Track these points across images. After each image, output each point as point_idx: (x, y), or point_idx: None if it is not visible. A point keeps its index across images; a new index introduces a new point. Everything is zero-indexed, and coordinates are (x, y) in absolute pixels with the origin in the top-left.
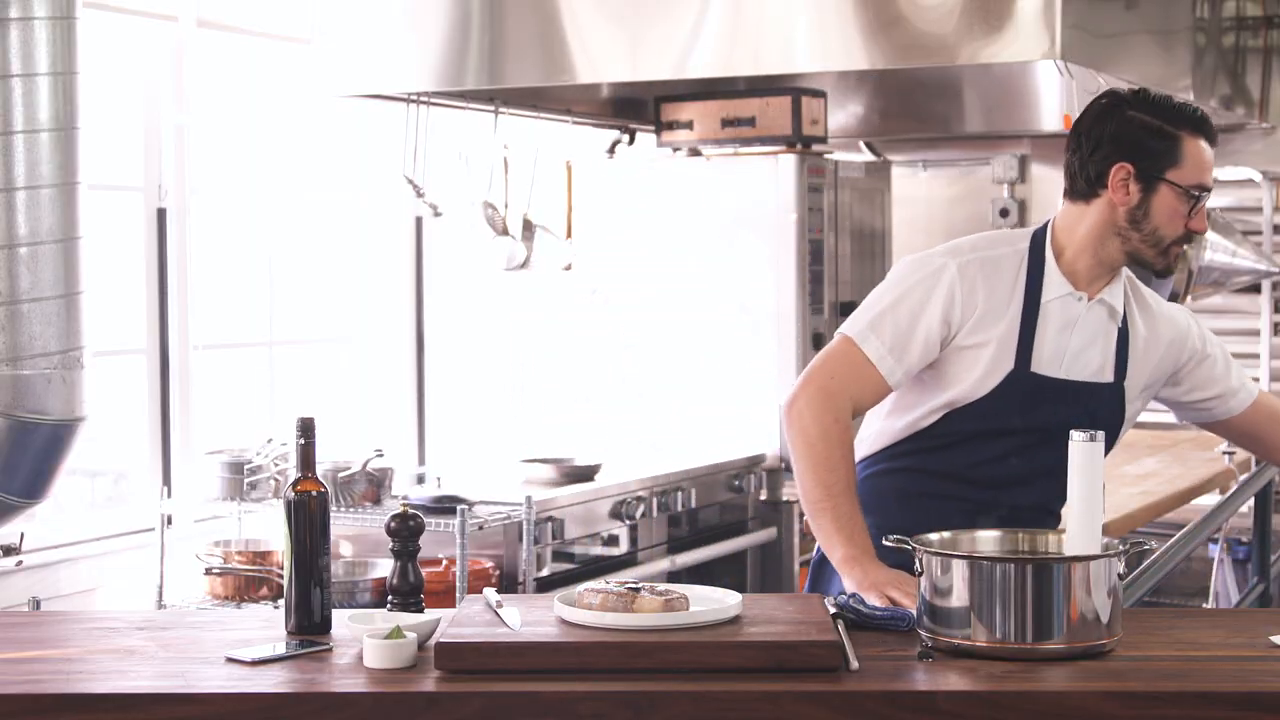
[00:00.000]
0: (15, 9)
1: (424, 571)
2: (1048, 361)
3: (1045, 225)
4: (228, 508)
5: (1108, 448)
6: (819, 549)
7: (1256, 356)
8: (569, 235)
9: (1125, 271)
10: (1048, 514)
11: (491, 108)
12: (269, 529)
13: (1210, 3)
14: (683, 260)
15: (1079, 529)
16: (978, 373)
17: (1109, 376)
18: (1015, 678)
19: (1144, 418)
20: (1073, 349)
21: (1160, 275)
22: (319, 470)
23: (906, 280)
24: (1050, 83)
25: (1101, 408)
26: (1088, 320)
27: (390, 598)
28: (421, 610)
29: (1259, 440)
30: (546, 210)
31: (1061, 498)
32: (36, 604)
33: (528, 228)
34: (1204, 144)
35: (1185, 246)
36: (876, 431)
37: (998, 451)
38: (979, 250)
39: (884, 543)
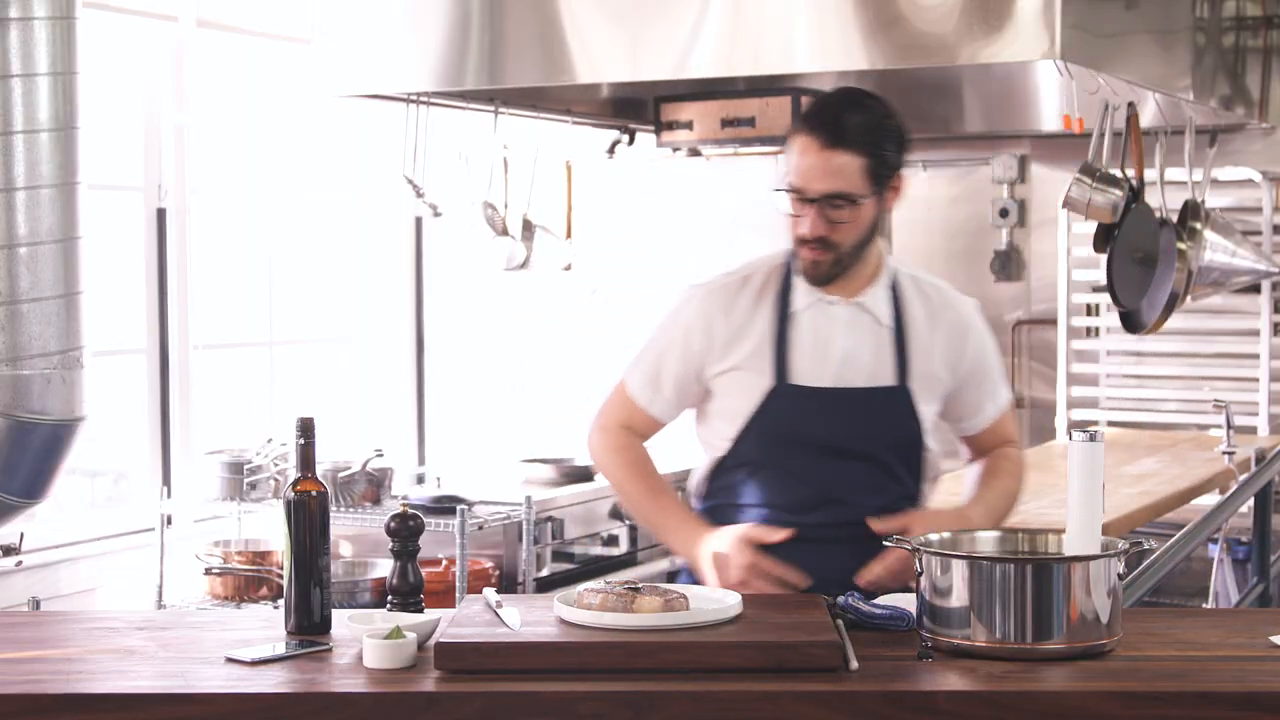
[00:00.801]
0: (15, 9)
1: (424, 571)
2: (809, 372)
3: None
4: (227, 508)
5: (912, 453)
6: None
7: (1256, 357)
8: (569, 235)
9: (897, 270)
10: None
11: (491, 108)
12: (269, 529)
13: (1210, 3)
14: (683, 260)
15: (1079, 529)
16: (739, 395)
17: (890, 380)
18: (1015, 678)
19: (1144, 418)
20: (837, 356)
21: (804, 279)
22: (319, 470)
23: (667, 315)
24: (1050, 83)
25: (884, 413)
26: (849, 325)
27: (390, 598)
28: (421, 610)
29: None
30: (546, 210)
31: (881, 511)
32: (36, 604)
33: (528, 228)
34: (807, 139)
35: (817, 252)
36: (697, 473)
37: (792, 471)
38: (731, 274)
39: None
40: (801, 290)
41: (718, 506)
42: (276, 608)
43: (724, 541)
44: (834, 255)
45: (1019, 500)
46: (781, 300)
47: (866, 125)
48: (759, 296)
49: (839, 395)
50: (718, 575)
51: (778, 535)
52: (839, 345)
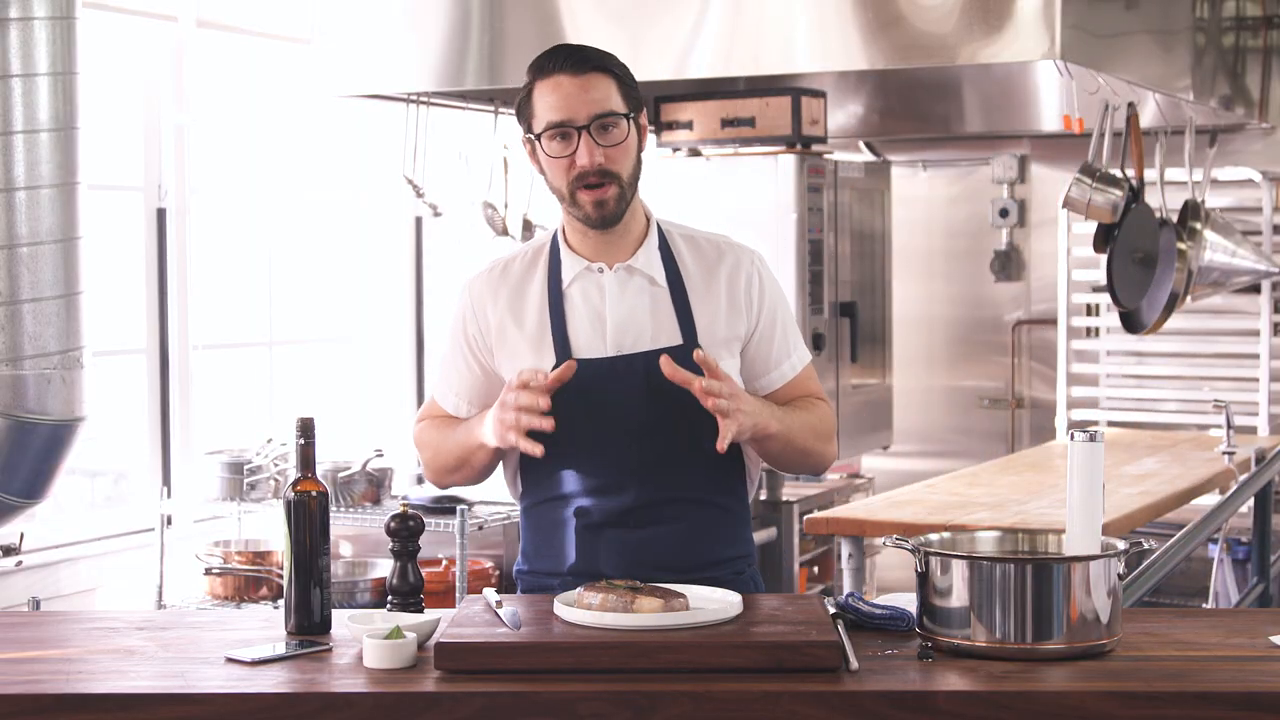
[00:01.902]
0: (15, 9)
1: (424, 571)
2: (588, 345)
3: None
4: (227, 508)
5: (700, 410)
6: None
7: (1256, 357)
8: None
9: (666, 229)
10: (693, 504)
11: (491, 108)
12: (269, 529)
13: (1210, 3)
14: None
15: (1079, 529)
16: None
17: (676, 339)
18: (1015, 678)
19: (1144, 418)
20: (615, 324)
21: (592, 226)
22: (319, 470)
23: (450, 318)
24: (1050, 83)
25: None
26: (621, 291)
27: (390, 598)
28: (421, 610)
29: None
30: (546, 210)
31: (699, 484)
32: (36, 604)
33: (528, 228)
34: (555, 78)
35: (600, 189)
36: (508, 471)
37: (594, 452)
38: (496, 261)
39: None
40: (568, 264)
41: (535, 504)
42: (276, 608)
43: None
44: (617, 187)
45: (821, 441)
46: (551, 277)
47: (602, 52)
48: (526, 277)
49: (623, 363)
50: (497, 422)
51: (550, 377)
52: (613, 313)
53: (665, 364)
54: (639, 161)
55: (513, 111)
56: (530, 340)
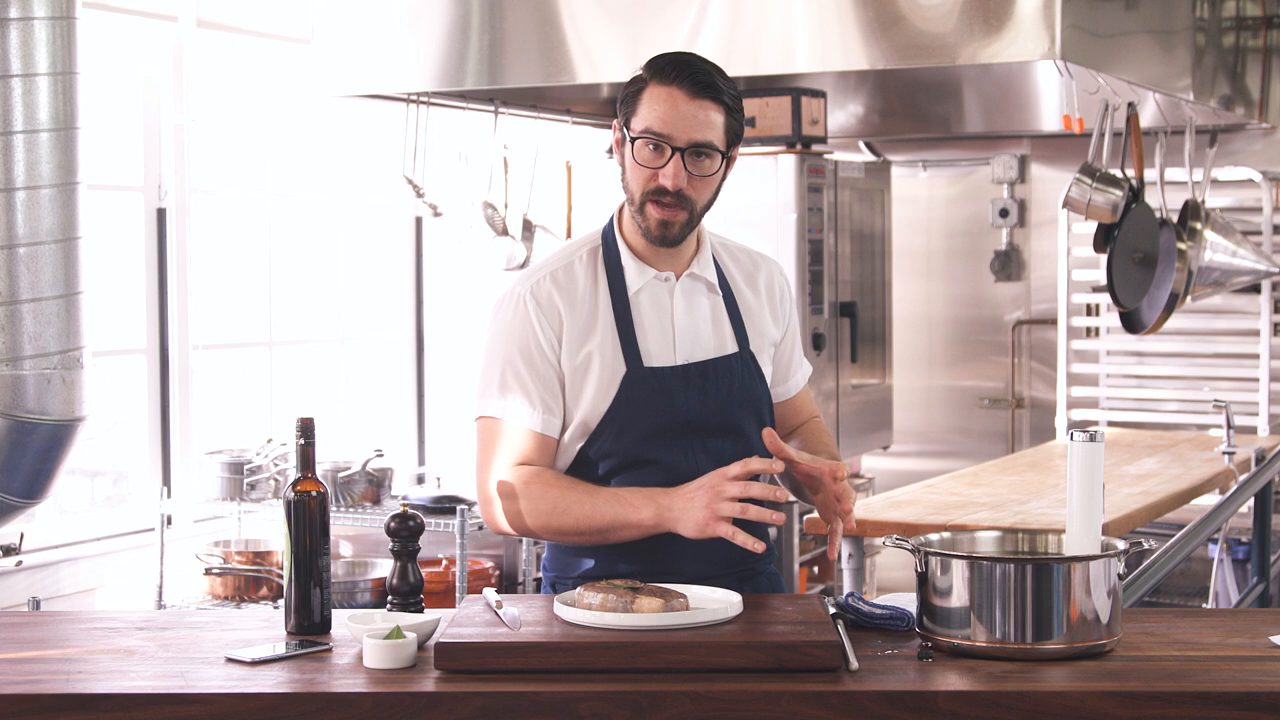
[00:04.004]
0: (15, 9)
1: (424, 571)
2: (659, 352)
3: (613, 216)
4: (227, 508)
5: (765, 416)
6: (545, 571)
7: (1256, 357)
8: (569, 235)
9: (711, 235)
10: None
11: (491, 108)
12: (269, 529)
13: (1210, 3)
14: None
15: (1079, 529)
16: (594, 386)
17: (733, 347)
18: (1015, 678)
19: (1144, 418)
20: (682, 332)
21: (652, 242)
22: (319, 470)
23: (499, 328)
24: (1050, 83)
25: (736, 380)
26: (687, 299)
27: (390, 598)
28: (421, 610)
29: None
30: (546, 210)
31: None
32: (36, 604)
33: (528, 228)
34: (671, 90)
35: (672, 210)
36: None
37: (657, 460)
38: (550, 264)
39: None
40: (633, 271)
41: None
42: (276, 608)
43: (713, 475)
44: (687, 214)
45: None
46: (614, 283)
47: (727, 82)
48: (591, 282)
49: (691, 371)
50: (706, 509)
51: (776, 465)
52: (681, 321)
53: (768, 436)
54: (718, 192)
55: (515, 111)
56: (600, 348)
